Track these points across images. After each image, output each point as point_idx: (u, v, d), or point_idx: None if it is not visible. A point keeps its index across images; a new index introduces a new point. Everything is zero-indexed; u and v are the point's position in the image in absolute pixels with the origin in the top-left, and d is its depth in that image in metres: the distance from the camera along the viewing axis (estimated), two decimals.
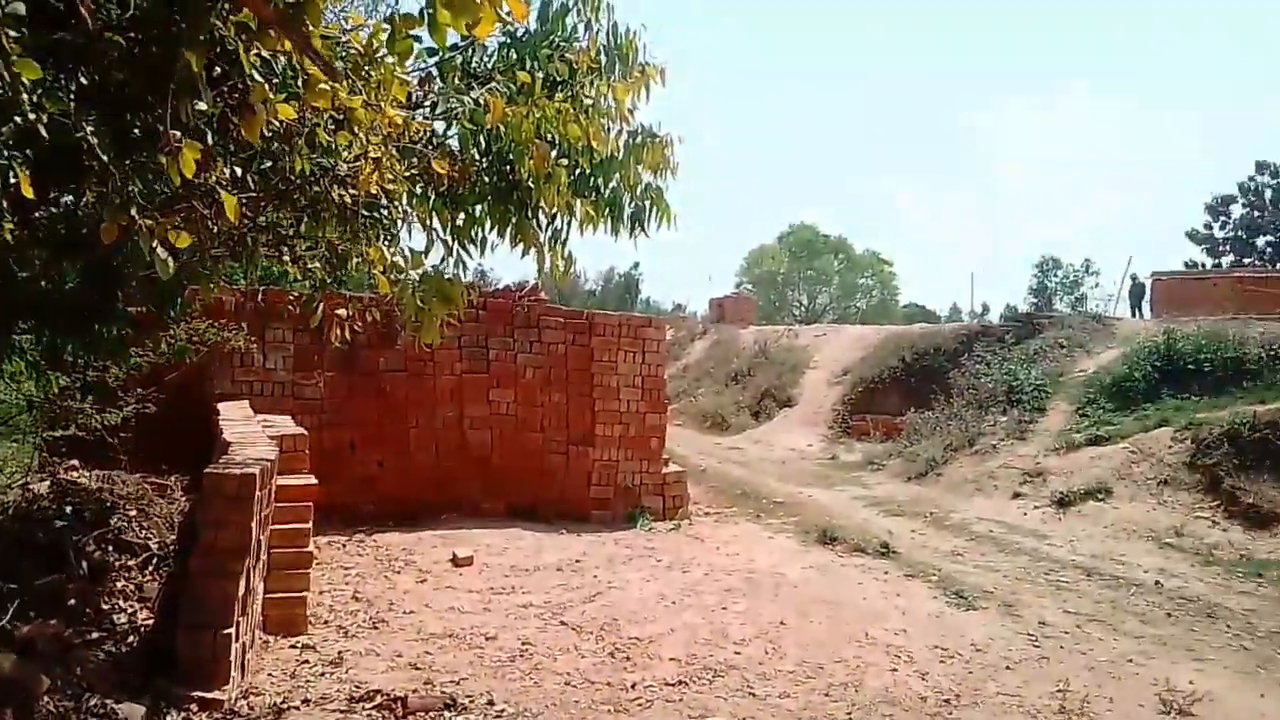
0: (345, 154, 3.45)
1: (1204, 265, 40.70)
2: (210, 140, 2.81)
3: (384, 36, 2.72)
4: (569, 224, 4.61)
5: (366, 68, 3.15)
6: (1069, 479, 12.48)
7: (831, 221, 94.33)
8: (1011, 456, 13.90)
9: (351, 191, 3.54)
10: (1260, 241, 41.07)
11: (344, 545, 8.52)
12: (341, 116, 3.08)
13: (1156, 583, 9.02)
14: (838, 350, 24.52)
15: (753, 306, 39.62)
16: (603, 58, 4.49)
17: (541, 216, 4.54)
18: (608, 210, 4.64)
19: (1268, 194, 41.35)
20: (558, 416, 10.88)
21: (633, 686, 5.35)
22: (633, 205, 4.68)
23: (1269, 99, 74.52)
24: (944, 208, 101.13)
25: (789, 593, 7.76)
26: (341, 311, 4.70)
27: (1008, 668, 6.22)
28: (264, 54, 2.59)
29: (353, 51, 3.11)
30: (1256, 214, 41.45)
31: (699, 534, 10.31)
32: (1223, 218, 42.57)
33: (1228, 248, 41.98)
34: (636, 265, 55.02)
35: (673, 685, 5.40)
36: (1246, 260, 39.98)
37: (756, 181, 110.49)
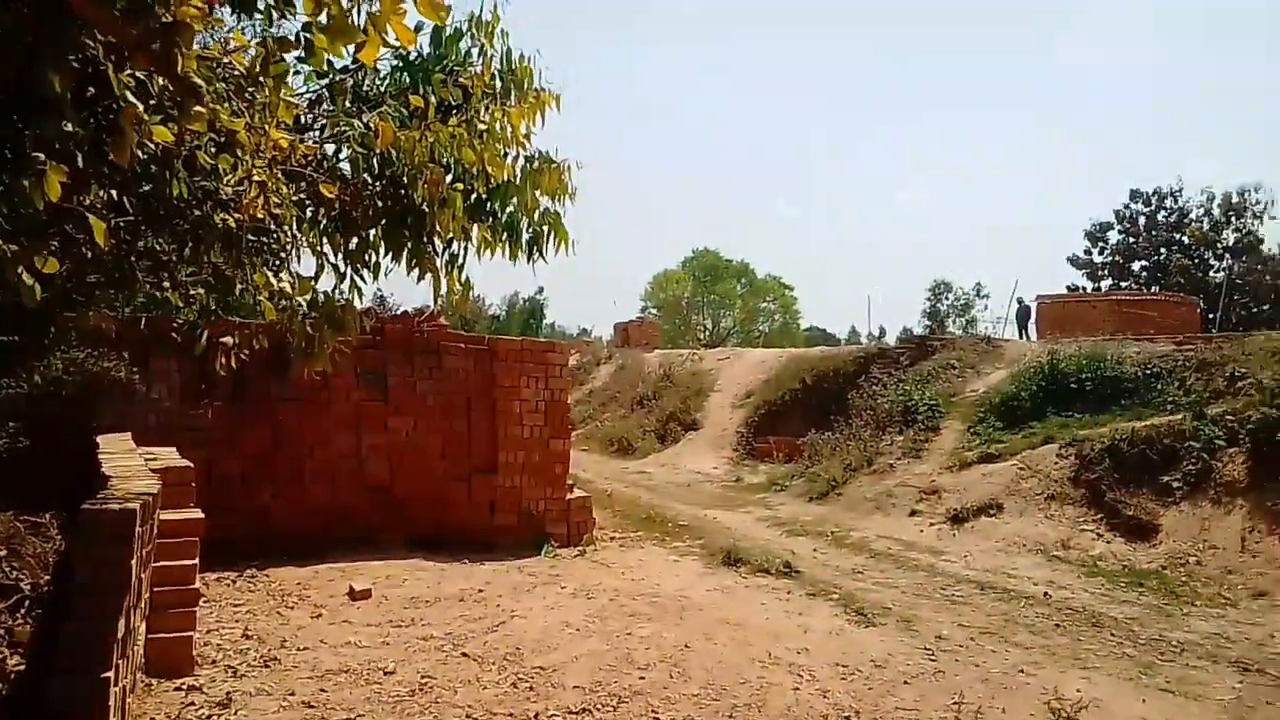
0: (229, 177, 3.37)
1: (1085, 288, 42.92)
2: (81, 163, 2.70)
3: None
4: (465, 249, 4.58)
5: (251, 90, 3.09)
6: (962, 496, 12.93)
7: (734, 247, 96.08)
8: (908, 475, 14.34)
9: (236, 216, 3.45)
10: (1135, 266, 43.53)
11: (234, 581, 8.20)
12: (223, 139, 3.01)
13: (1045, 595, 9.41)
14: (741, 373, 24.90)
15: (657, 331, 39.98)
16: (497, 83, 4.50)
17: (437, 241, 4.51)
18: (505, 235, 4.63)
19: (1141, 221, 43.93)
20: (459, 444, 10.73)
21: (535, 716, 5.29)
22: (530, 230, 4.69)
23: (1144, 130, 79.48)
24: (842, 233, 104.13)
25: (694, 616, 7.80)
26: (227, 339, 4.56)
27: (906, 682, 6.38)
28: (138, 75, 2.52)
29: (235, 73, 3.04)
30: (1131, 240, 43.97)
31: (605, 559, 10.28)
32: (1101, 244, 45.01)
33: (1106, 272, 44.36)
34: (541, 290, 54.91)
35: (576, 714, 5.36)
36: (1123, 284, 42.32)
37: (661, 207, 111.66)
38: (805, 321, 60.20)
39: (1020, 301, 28.46)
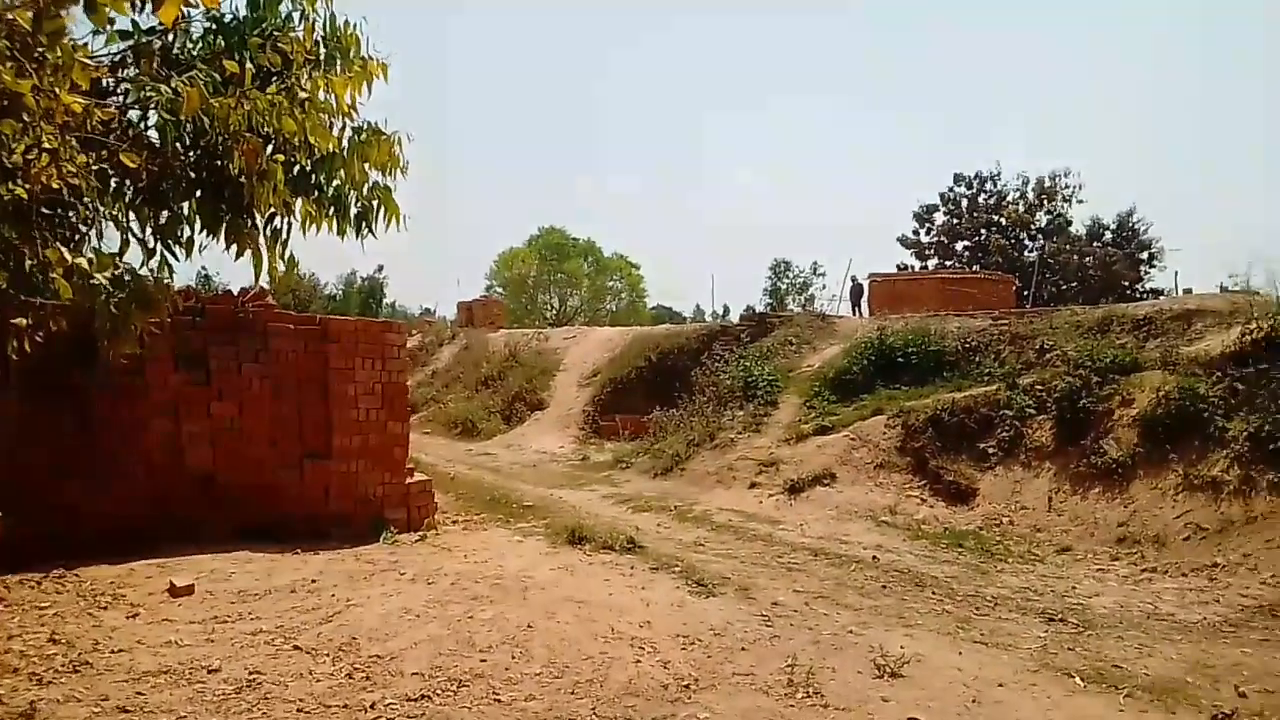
0: (16, 145, 3.13)
1: (913, 267, 45.42)
2: None
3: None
4: (289, 224, 4.43)
5: (41, 50, 2.88)
6: (799, 467, 13.53)
7: (581, 225, 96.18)
8: (749, 448, 14.86)
9: (24, 186, 3.21)
10: (959, 246, 46.43)
11: (39, 583, 7.63)
12: (6, 102, 2.80)
13: (874, 558, 10.00)
14: (587, 352, 25.05)
15: (503, 310, 39.62)
16: (321, 50, 4.35)
17: (257, 216, 4.33)
18: (331, 209, 4.50)
19: (964, 203, 46.85)
20: (290, 429, 10.33)
21: (371, 706, 5.21)
22: (359, 205, 4.57)
23: (967, 115, 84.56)
24: (688, 212, 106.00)
25: (537, 595, 7.85)
26: (20, 320, 4.23)
27: (743, 649, 6.65)
28: None
29: (21, 31, 2.82)
30: (955, 221, 46.85)
31: (447, 543, 10.18)
32: (928, 224, 47.75)
33: (933, 251, 47.12)
34: (381, 269, 53.34)
35: (414, 700, 5.32)
36: (949, 262, 45.06)
37: (507, 185, 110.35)
38: (652, 300, 61.11)
39: (854, 280, 29.89)
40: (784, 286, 54.89)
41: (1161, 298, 22.06)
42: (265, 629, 6.63)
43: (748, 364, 17.84)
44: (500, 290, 53.34)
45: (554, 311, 53.90)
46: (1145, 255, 42.70)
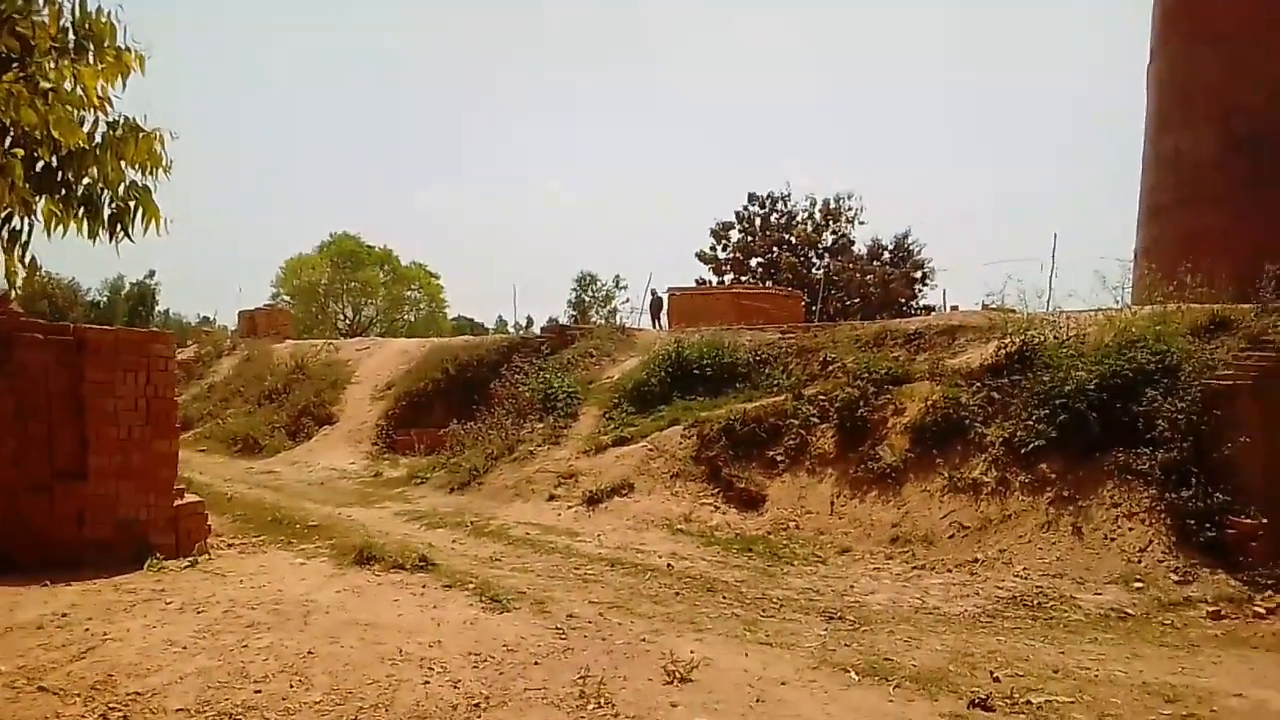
0: None
1: (710, 282, 47.10)
2: None
3: None
4: (30, 224, 4.07)
5: None
6: (598, 478, 13.72)
7: (376, 232, 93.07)
8: (548, 461, 14.92)
9: None
10: (753, 262, 48.59)
11: None
12: None
13: (669, 566, 10.28)
14: (382, 364, 24.34)
15: (289, 319, 37.80)
16: (70, 37, 4.04)
17: None
18: (81, 210, 4.17)
19: (757, 221, 49.11)
20: (38, 448, 9.41)
21: None
22: (114, 205, 4.26)
23: (761, 137, 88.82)
24: (492, 222, 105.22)
25: (320, 620, 7.54)
26: None
27: (536, 663, 6.65)
28: None
29: None
30: (750, 238, 49.02)
31: (220, 568, 9.58)
32: (724, 241, 49.69)
33: (729, 267, 49.07)
34: (153, 274, 49.61)
35: None
36: (743, 278, 47.05)
37: (295, 189, 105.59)
38: (453, 311, 60.12)
39: (654, 293, 30.67)
40: (588, 299, 55.54)
41: (931, 314, 23.98)
42: (3, 670, 6.01)
43: (548, 376, 17.92)
44: (288, 299, 50.84)
45: (347, 322, 51.97)
46: (919, 274, 46.27)
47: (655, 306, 30.21)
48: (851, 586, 9.53)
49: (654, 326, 28.69)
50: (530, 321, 51.80)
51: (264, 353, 28.15)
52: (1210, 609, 8.20)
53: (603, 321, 36.09)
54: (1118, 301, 14.19)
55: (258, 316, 35.48)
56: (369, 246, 54.26)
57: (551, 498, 13.74)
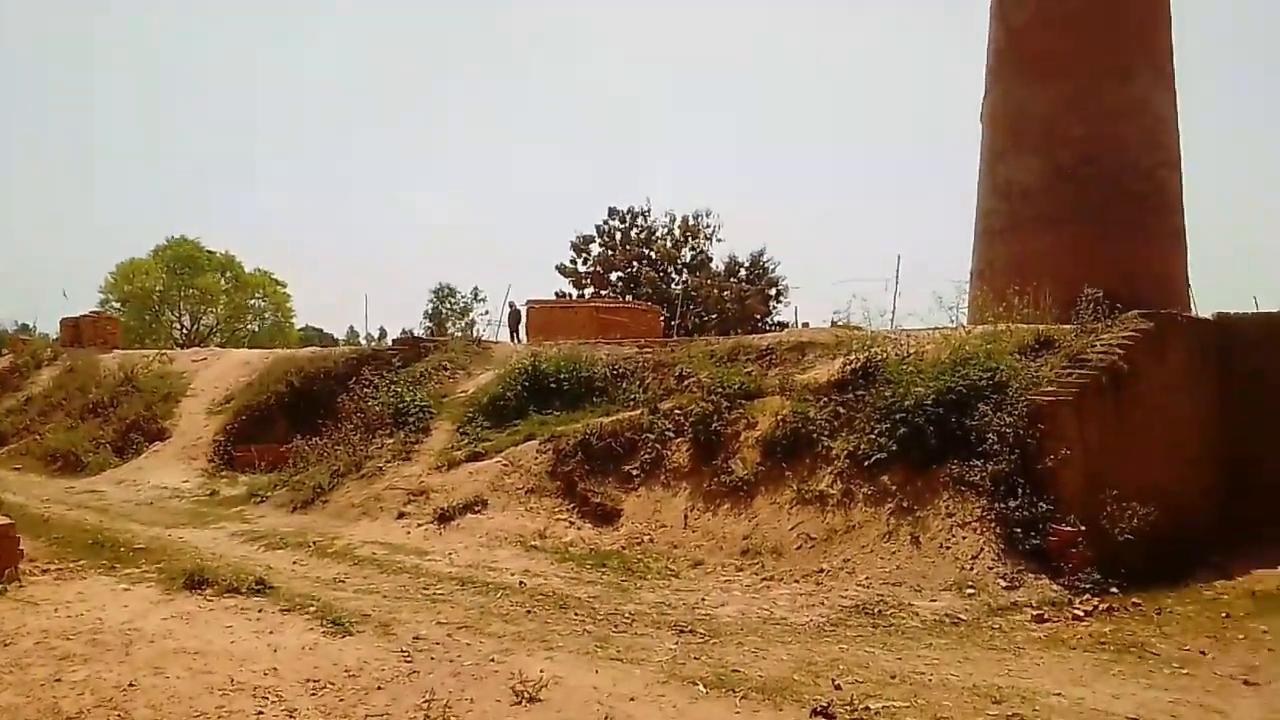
0: None
1: (570, 295, 47.13)
2: None
3: None
4: None
5: None
6: (450, 495, 13.45)
7: (217, 237, 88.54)
8: (398, 477, 14.53)
9: None
10: (613, 276, 48.93)
11: None
12: None
13: (521, 584, 10.16)
14: (221, 376, 23.19)
15: (118, 328, 35.53)
16: None
17: None
18: None
19: (618, 236, 49.50)
20: None
21: None
22: None
23: (618, 151, 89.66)
24: (344, 229, 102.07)
25: (143, 649, 7.08)
26: None
27: (379, 688, 6.44)
28: None
29: None
30: (610, 252, 49.35)
31: (32, 596, 8.87)
32: (585, 254, 49.83)
33: (589, 280, 49.23)
34: None
35: None
36: (603, 292, 47.29)
37: (127, 188, 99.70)
38: (300, 320, 57.93)
39: (512, 306, 30.33)
40: (445, 311, 54.56)
41: (784, 330, 24.74)
42: None
43: (399, 389, 17.45)
44: (118, 306, 47.79)
45: (184, 331, 49.30)
46: (774, 291, 47.67)
47: (514, 319, 29.92)
48: (703, 599, 9.65)
49: (512, 340, 28.38)
50: (383, 333, 50.40)
51: (89, 363, 26.33)
52: (1035, 613, 8.71)
53: (460, 334, 35.46)
54: (953, 321, 15.01)
55: (83, 324, 33.16)
56: (209, 251, 51.69)
57: (401, 515, 13.38)
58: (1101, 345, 11.43)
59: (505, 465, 14.00)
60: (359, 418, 17.09)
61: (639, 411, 14.41)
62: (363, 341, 40.98)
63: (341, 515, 13.83)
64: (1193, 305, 18.78)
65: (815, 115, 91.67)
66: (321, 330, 59.18)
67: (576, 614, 8.95)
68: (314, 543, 12.34)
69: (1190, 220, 20.46)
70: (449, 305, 55.26)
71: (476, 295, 54.43)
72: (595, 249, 49.70)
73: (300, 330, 56.70)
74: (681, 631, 8.38)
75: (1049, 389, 10.86)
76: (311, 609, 8.62)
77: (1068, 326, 12.56)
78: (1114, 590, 9.23)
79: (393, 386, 17.71)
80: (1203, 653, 7.58)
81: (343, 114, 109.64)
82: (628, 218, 49.57)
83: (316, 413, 18.56)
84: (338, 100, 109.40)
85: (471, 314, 53.46)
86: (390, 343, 25.28)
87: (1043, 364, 11.62)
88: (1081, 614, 8.67)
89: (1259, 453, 12.31)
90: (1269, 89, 73.23)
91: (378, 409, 16.97)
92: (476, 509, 13.05)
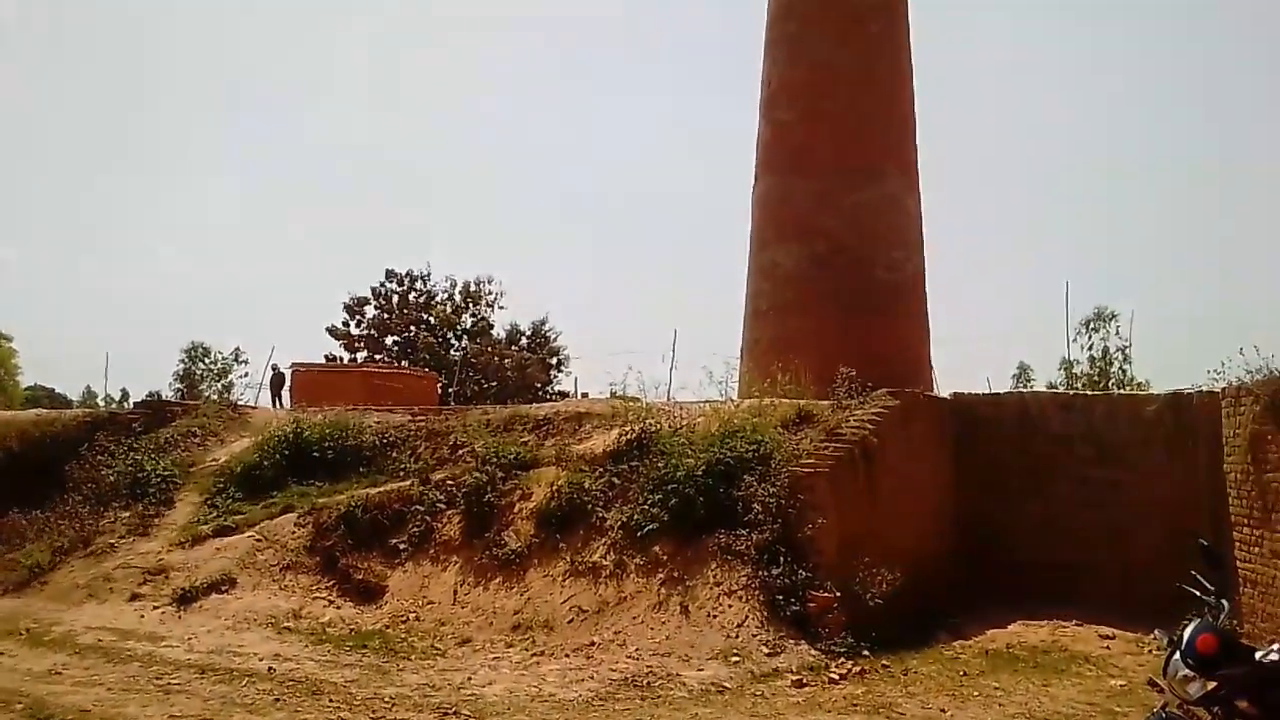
0: None
1: (341, 358, 45.40)
2: None
3: None
4: None
5: None
6: (193, 573, 12.44)
7: None
8: (133, 554, 13.27)
9: None
10: (389, 340, 47.64)
11: None
12: None
13: (270, 669, 9.48)
14: None
15: None
16: None
17: None
18: None
19: (395, 299, 48.39)
20: None
21: None
22: None
23: (396, 213, 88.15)
24: (84, 284, 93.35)
25: None
26: None
27: None
28: None
29: None
30: (386, 315, 48.08)
31: None
32: (359, 316, 48.28)
33: (363, 344, 47.65)
34: None
35: None
36: (378, 356, 45.90)
37: None
38: (28, 379, 52.26)
39: (275, 368, 28.79)
40: (199, 372, 50.89)
41: (563, 400, 24.94)
42: None
43: (139, 457, 15.97)
44: None
45: None
46: (555, 360, 48.06)
47: (277, 383, 28.30)
48: (469, 678, 9.37)
49: (274, 405, 26.85)
50: (125, 395, 46.36)
51: None
52: (794, 678, 9.08)
53: (215, 397, 33.20)
54: (723, 395, 15.69)
55: None
56: None
57: (134, 597, 12.18)
58: (854, 421, 12.30)
59: (258, 540, 13.12)
60: (90, 488, 15.47)
61: (409, 482, 13.98)
62: (100, 403, 37.50)
63: (63, 598, 12.40)
64: (935, 384, 20.60)
65: (599, 189, 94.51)
66: (53, 390, 53.57)
67: (331, 700, 8.45)
68: (28, 630, 10.98)
69: (932, 306, 22.59)
70: (204, 366, 51.63)
71: (237, 356, 51.20)
72: (370, 311, 48.27)
73: (27, 389, 51.11)
74: (445, 714, 8.10)
75: (808, 461, 11.53)
76: (19, 707, 7.64)
77: (825, 402, 13.42)
78: (866, 653, 9.81)
79: (131, 454, 16.18)
80: (943, 710, 8.16)
81: (84, 159, 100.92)
82: (406, 280, 48.62)
83: (41, 483, 16.64)
84: (78, 145, 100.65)
85: (230, 376, 50.13)
86: (132, 405, 23.27)
87: (803, 437, 12.33)
88: (837, 677, 9.13)
89: (991, 519, 13.57)
90: (1004, 190, 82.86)
91: (112, 479, 15.45)
92: (223, 588, 12.11)
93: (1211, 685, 4.45)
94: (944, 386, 17.64)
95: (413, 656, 10.33)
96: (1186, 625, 4.67)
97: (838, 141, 21.30)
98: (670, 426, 13.29)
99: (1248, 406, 10.67)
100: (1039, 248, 74.05)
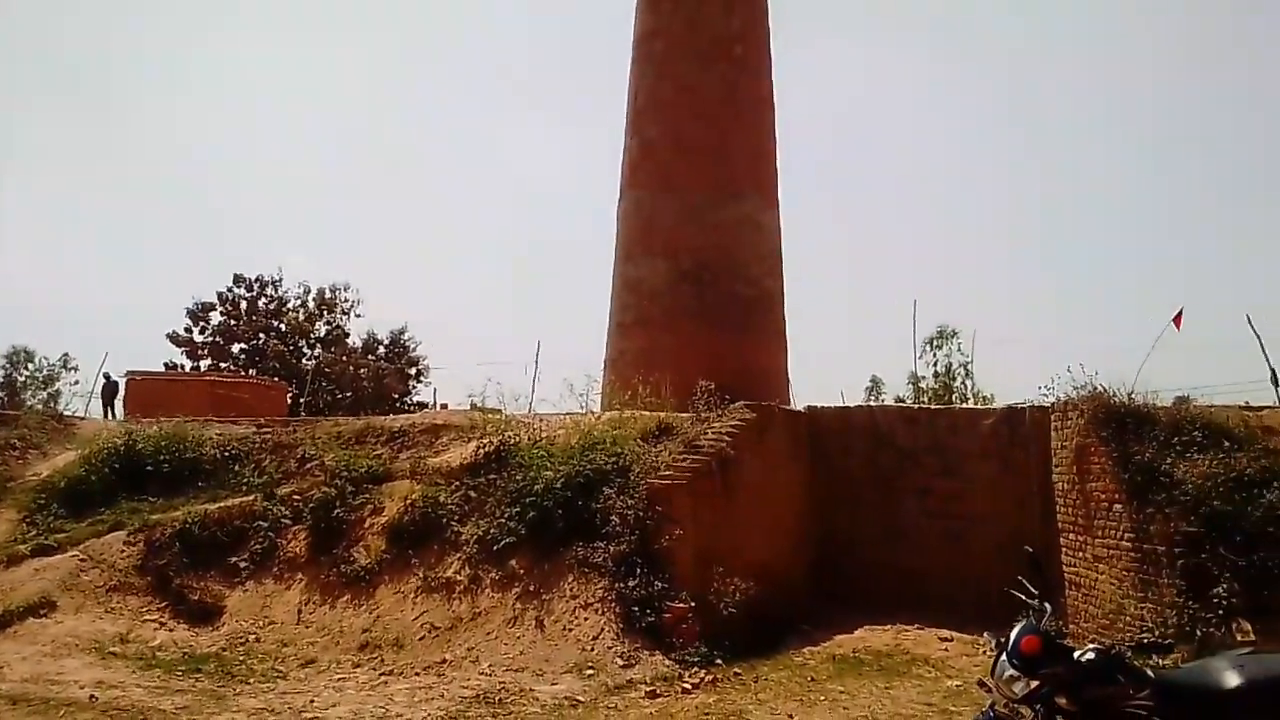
0: None
1: (184, 367, 43.19)
2: None
3: None
4: None
5: None
6: (7, 597, 11.56)
7: None
8: None
9: None
10: (236, 348, 45.58)
11: None
12: None
13: (92, 697, 8.86)
14: None
15: None
16: None
17: None
18: None
19: (243, 305, 46.35)
20: None
21: None
22: None
23: (247, 219, 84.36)
24: None
25: None
26: None
27: None
28: None
29: None
30: (234, 322, 46.00)
31: None
32: (203, 323, 46.00)
33: (207, 352, 45.41)
34: None
35: None
36: (224, 364, 43.85)
37: None
38: None
39: (107, 377, 27.14)
40: (21, 379, 47.40)
41: (417, 412, 24.46)
42: None
43: None
44: None
45: None
46: (414, 370, 47.03)
47: (109, 392, 26.66)
48: (311, 701, 9.02)
49: (106, 415, 25.30)
50: None
51: None
52: (648, 689, 9.13)
53: (40, 407, 31.01)
54: (583, 407, 15.72)
55: None
56: None
57: None
58: (712, 433, 12.52)
59: (83, 560, 12.30)
60: None
61: (252, 497, 13.41)
62: None
63: None
64: (792, 398, 21.22)
65: (465, 198, 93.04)
66: None
67: None
68: None
69: (791, 322, 23.31)
70: (27, 373, 48.13)
71: (65, 363, 47.94)
72: (216, 318, 46.10)
73: None
74: None
75: (667, 473, 11.66)
76: None
77: (685, 415, 13.62)
78: (719, 662, 9.97)
79: None
80: (790, 715, 8.36)
81: None
82: (256, 286, 46.67)
83: None
84: None
85: (58, 384, 46.90)
86: None
87: (662, 449, 12.46)
88: (690, 686, 9.24)
89: (842, 529, 14.05)
90: (861, 208, 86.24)
91: None
92: (42, 612, 11.28)
93: (1034, 684, 4.72)
94: (801, 400, 18.15)
95: (251, 680, 9.87)
96: (1013, 628, 4.94)
97: (701, 160, 21.79)
98: (530, 439, 13.21)
99: (1074, 420, 11.42)
100: (892, 268, 77.42)
